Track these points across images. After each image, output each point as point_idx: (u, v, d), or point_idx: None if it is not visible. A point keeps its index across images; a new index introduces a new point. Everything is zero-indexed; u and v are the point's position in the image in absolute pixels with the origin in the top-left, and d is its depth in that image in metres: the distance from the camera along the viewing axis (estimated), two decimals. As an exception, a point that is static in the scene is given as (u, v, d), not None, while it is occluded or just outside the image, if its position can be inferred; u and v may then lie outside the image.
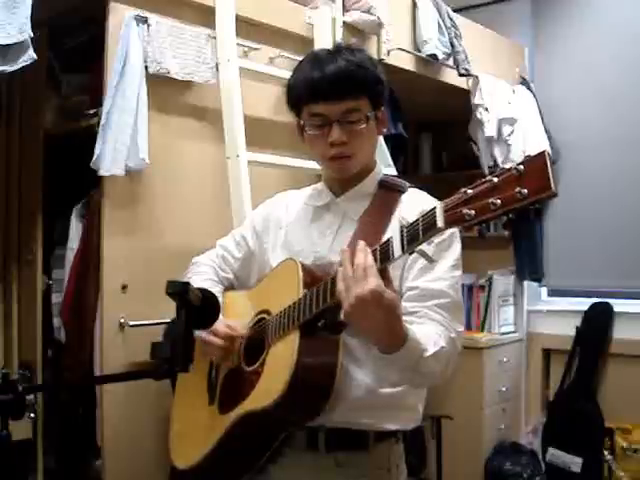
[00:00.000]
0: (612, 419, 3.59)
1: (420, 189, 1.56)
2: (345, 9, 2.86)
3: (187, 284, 1.27)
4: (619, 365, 3.68)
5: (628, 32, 3.77)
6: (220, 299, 1.59)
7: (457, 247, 1.47)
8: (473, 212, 1.06)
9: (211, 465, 1.55)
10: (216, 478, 1.62)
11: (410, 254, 1.20)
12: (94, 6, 2.23)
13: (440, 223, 1.11)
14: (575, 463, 3.57)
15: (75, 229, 2.44)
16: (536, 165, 1.00)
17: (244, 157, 2.36)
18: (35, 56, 1.97)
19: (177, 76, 2.33)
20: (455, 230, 1.38)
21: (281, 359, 1.40)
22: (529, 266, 4.03)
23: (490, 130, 3.57)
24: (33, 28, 1.95)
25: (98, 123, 2.18)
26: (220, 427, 1.51)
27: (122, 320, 2.21)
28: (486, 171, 3.61)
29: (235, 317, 1.61)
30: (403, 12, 3.19)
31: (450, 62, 3.34)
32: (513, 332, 4.04)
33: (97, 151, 2.13)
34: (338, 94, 1.45)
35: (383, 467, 1.49)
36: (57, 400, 2.53)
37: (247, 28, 2.54)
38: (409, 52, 3.19)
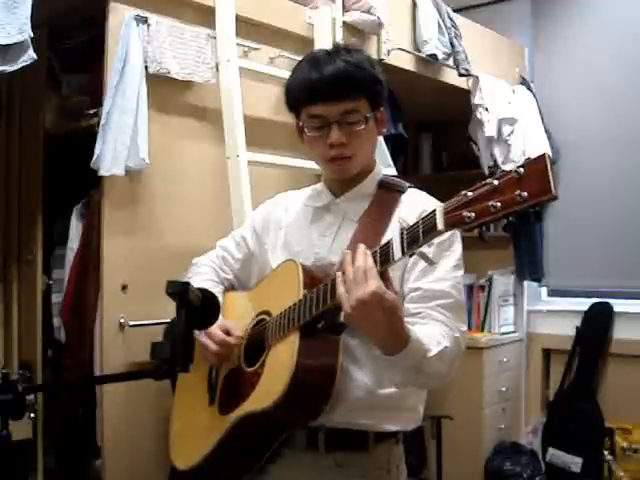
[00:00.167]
0: (612, 419, 3.59)
1: (420, 189, 1.56)
2: (345, 9, 2.85)
3: (187, 284, 1.26)
4: (619, 365, 3.68)
5: (628, 32, 3.77)
6: (220, 299, 1.59)
7: (458, 247, 1.47)
8: (473, 215, 1.06)
9: (211, 465, 1.55)
10: (216, 478, 1.62)
11: (410, 256, 1.20)
12: (94, 6, 2.24)
13: (440, 226, 1.11)
14: (575, 463, 3.57)
15: (75, 229, 2.44)
16: (536, 168, 1.00)
17: (244, 157, 2.36)
18: (35, 56, 1.97)
19: (177, 76, 2.33)
20: (456, 230, 1.38)
21: (281, 360, 1.40)
22: (529, 266, 4.03)
23: (490, 130, 3.57)
24: (33, 28, 1.95)
25: (98, 123, 2.18)
26: (220, 428, 1.50)
27: (122, 320, 2.22)
28: (486, 171, 3.62)
29: (235, 318, 1.61)
30: (403, 12, 3.19)
31: (450, 62, 3.34)
32: (513, 332, 4.04)
33: (97, 151, 2.13)
34: (336, 95, 1.45)
35: (383, 468, 1.49)
36: (57, 400, 2.52)
37: (247, 28, 2.54)
38: (409, 52, 3.19)
